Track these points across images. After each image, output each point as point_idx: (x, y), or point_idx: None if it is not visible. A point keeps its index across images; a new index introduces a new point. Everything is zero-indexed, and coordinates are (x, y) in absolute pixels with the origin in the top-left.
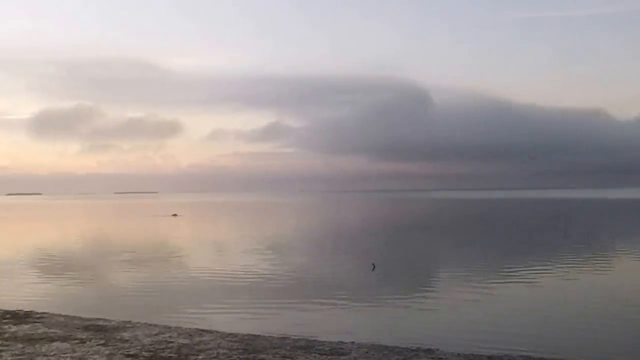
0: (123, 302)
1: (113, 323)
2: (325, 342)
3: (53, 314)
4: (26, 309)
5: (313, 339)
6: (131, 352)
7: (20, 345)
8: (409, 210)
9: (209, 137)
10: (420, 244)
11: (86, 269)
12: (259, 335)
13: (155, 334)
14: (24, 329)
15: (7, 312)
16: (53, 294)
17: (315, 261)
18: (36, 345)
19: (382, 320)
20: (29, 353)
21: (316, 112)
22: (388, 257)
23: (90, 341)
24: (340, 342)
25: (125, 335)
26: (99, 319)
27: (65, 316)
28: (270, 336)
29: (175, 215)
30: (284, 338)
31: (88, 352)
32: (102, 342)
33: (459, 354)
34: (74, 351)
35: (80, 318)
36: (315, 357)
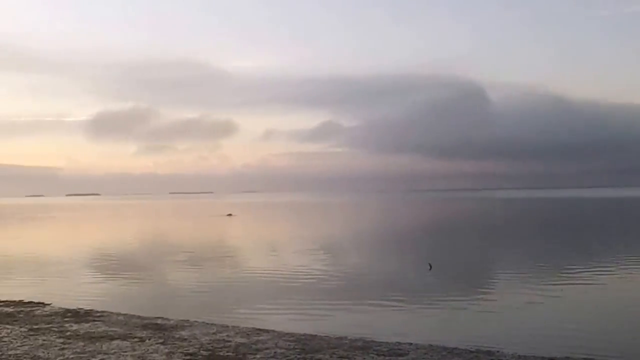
0: (180, 301)
1: (171, 322)
2: (382, 342)
3: (112, 313)
4: (86, 308)
5: (370, 339)
6: (190, 351)
7: (81, 343)
8: (464, 209)
9: (262, 137)
10: (477, 244)
11: (144, 268)
12: (316, 335)
13: (213, 333)
14: (85, 327)
15: (68, 310)
16: (112, 293)
17: (371, 261)
18: (97, 343)
19: (440, 321)
20: (90, 351)
21: (369, 111)
22: (444, 257)
23: (149, 340)
24: (397, 342)
25: (184, 334)
26: (157, 318)
27: (125, 315)
28: (327, 336)
29: (230, 215)
30: (341, 338)
31: (147, 350)
32: (161, 340)
33: (519, 355)
34: (134, 349)
35: (139, 317)
36: (373, 357)
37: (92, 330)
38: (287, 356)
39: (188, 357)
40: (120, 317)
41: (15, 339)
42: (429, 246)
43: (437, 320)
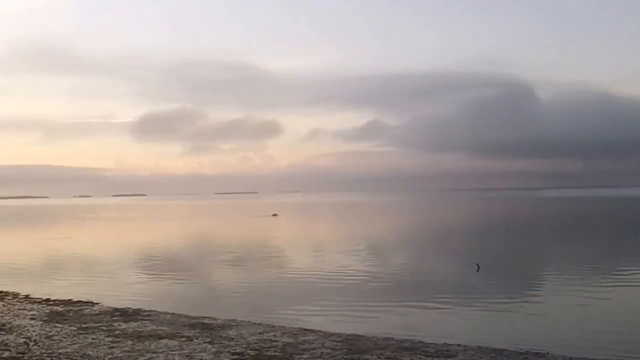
0: (227, 300)
1: (218, 321)
2: (430, 343)
3: (160, 312)
4: (134, 307)
5: (418, 340)
6: (237, 350)
7: (129, 342)
8: (512, 209)
9: (307, 137)
10: (526, 244)
11: (190, 267)
12: (363, 336)
13: (260, 333)
14: (133, 326)
15: (116, 309)
16: (159, 292)
17: (417, 261)
18: (145, 342)
19: (488, 322)
20: (138, 350)
21: (415, 109)
22: (493, 258)
23: (197, 339)
24: (445, 344)
25: (231, 333)
26: (204, 317)
27: (172, 314)
28: (374, 337)
29: (275, 215)
30: (388, 339)
31: (195, 349)
32: (209, 340)
33: (569, 357)
34: (182, 348)
35: (186, 316)
36: (420, 358)
37: (141, 329)
38: (334, 356)
39: (235, 357)
40: (168, 316)
41: (65, 338)
42: (476, 246)
43: (485, 322)
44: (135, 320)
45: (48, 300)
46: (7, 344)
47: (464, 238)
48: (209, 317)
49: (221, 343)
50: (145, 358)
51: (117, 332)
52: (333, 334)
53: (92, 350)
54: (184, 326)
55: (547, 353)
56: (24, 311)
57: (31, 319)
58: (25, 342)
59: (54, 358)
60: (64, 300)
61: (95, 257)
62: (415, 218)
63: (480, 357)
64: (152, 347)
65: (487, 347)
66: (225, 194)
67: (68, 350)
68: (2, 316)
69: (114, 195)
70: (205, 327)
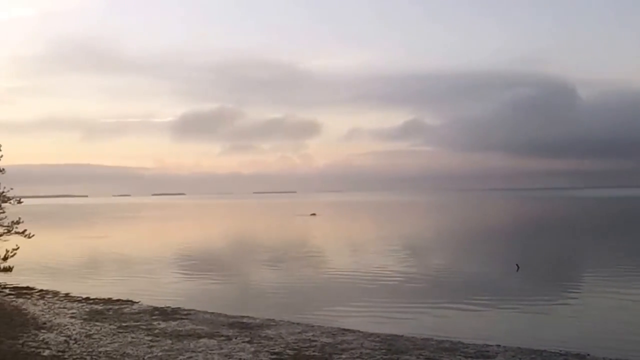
0: (266, 300)
1: (257, 321)
2: (469, 344)
3: (199, 311)
4: (173, 306)
5: (457, 341)
6: (276, 350)
7: (169, 341)
8: (552, 209)
9: (345, 136)
10: (566, 244)
11: (229, 267)
12: (402, 336)
13: (299, 332)
14: (172, 325)
15: (155, 308)
16: (198, 292)
17: (456, 261)
18: (184, 341)
19: (527, 323)
20: (177, 349)
21: (454, 109)
22: (532, 258)
23: (235, 338)
24: (485, 344)
25: (270, 332)
26: (243, 317)
27: (211, 313)
28: (412, 337)
29: (314, 214)
30: (427, 339)
31: (234, 349)
32: (248, 339)
33: (609, 359)
34: (221, 348)
35: (225, 315)
36: (460, 359)
37: (180, 329)
38: (373, 356)
39: (274, 357)
40: (207, 316)
41: (105, 336)
42: (516, 246)
43: (524, 322)
44: (175, 319)
45: (88, 298)
46: (47, 342)
47: (503, 238)
48: (247, 317)
49: (260, 342)
50: (185, 357)
51: (156, 331)
52: (372, 334)
53: (132, 349)
54: (223, 325)
55: (588, 355)
56: (64, 310)
57: (71, 317)
58: (65, 340)
59: (93, 357)
60: (104, 298)
61: (134, 255)
62: (453, 218)
63: (520, 359)
64: (191, 346)
65: (526, 349)
66: (263, 193)
67: (108, 349)
68: (42, 314)
69: (153, 195)
70: (244, 327)
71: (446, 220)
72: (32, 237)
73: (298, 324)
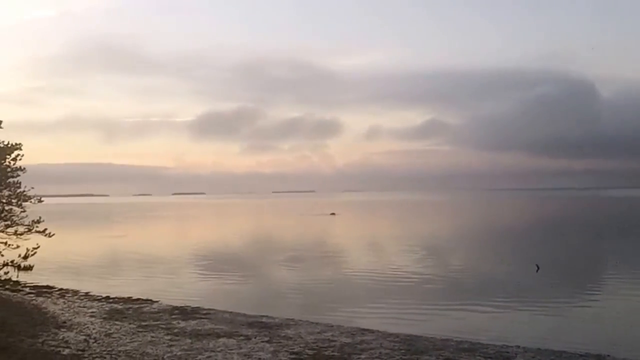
0: (285, 299)
1: (276, 320)
2: (489, 345)
3: (218, 310)
4: (193, 305)
5: (477, 341)
6: (295, 350)
7: (188, 340)
8: (573, 208)
9: (366, 136)
10: (587, 245)
11: (249, 266)
12: (421, 337)
13: (318, 332)
14: (192, 324)
15: (175, 307)
16: (218, 291)
17: (475, 261)
18: (204, 341)
19: (547, 324)
20: (197, 348)
21: (475, 108)
22: (552, 258)
23: (255, 338)
24: (504, 345)
25: (289, 332)
26: (262, 316)
27: (231, 313)
28: (432, 337)
29: (333, 214)
30: (447, 340)
31: (253, 348)
32: (267, 339)
33: None
34: (240, 347)
35: (244, 315)
36: None
37: (199, 328)
38: (392, 357)
39: (293, 356)
40: (226, 315)
41: (124, 335)
42: (536, 246)
43: (544, 323)
44: (194, 319)
45: (107, 297)
46: (67, 341)
47: (524, 238)
48: (267, 316)
49: (279, 342)
50: (204, 356)
51: (176, 330)
52: (391, 334)
53: (151, 348)
54: (242, 325)
55: (608, 356)
56: (84, 309)
57: (91, 316)
58: (85, 339)
59: (113, 356)
60: (124, 298)
61: (154, 255)
62: (473, 217)
63: (540, 359)
64: (211, 345)
65: (546, 349)
66: (283, 192)
67: (127, 348)
68: (62, 313)
69: (173, 194)
70: (264, 326)
71: (465, 220)
72: (53, 236)
73: (317, 323)
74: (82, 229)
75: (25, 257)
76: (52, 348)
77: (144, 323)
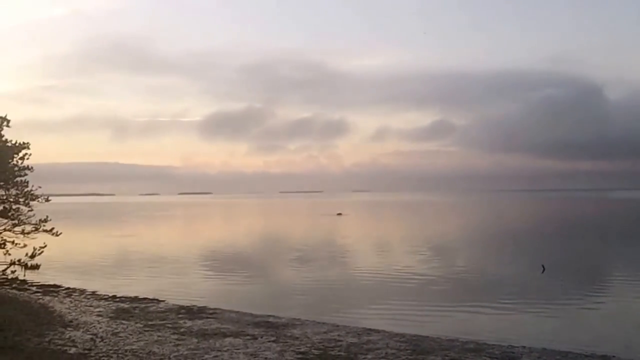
0: (291, 299)
1: (283, 320)
2: (495, 345)
3: (225, 310)
4: (199, 305)
5: (482, 342)
6: (301, 349)
7: (195, 340)
8: (580, 210)
9: (373, 136)
10: (593, 246)
11: (255, 266)
12: (427, 337)
13: (324, 332)
14: (198, 324)
15: (181, 307)
16: (224, 291)
17: (481, 262)
18: (210, 340)
19: (553, 325)
20: (203, 347)
21: (482, 109)
22: (558, 259)
23: (261, 337)
24: (510, 346)
25: (295, 332)
26: (269, 316)
27: (237, 312)
28: (438, 338)
29: (340, 214)
30: (453, 340)
31: (260, 348)
32: (273, 338)
33: None
34: (247, 347)
35: (251, 314)
36: None
37: (205, 327)
38: (399, 357)
39: (300, 356)
40: (233, 315)
41: (131, 335)
42: (542, 247)
43: (550, 324)
44: (201, 318)
45: (114, 297)
46: (74, 340)
47: (530, 239)
48: (273, 316)
49: (286, 342)
50: (210, 356)
51: (182, 329)
52: (397, 334)
53: (158, 348)
54: (249, 325)
55: (613, 356)
56: (91, 308)
57: (98, 315)
58: (91, 338)
59: (120, 355)
60: (130, 297)
61: (161, 254)
62: (480, 218)
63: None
64: (217, 345)
65: (552, 350)
66: (290, 192)
67: (134, 347)
68: (69, 312)
69: (180, 194)
70: (270, 326)
71: (472, 221)
72: (60, 235)
73: (324, 323)
74: (89, 228)
75: (32, 256)
76: (59, 347)
77: (150, 322)
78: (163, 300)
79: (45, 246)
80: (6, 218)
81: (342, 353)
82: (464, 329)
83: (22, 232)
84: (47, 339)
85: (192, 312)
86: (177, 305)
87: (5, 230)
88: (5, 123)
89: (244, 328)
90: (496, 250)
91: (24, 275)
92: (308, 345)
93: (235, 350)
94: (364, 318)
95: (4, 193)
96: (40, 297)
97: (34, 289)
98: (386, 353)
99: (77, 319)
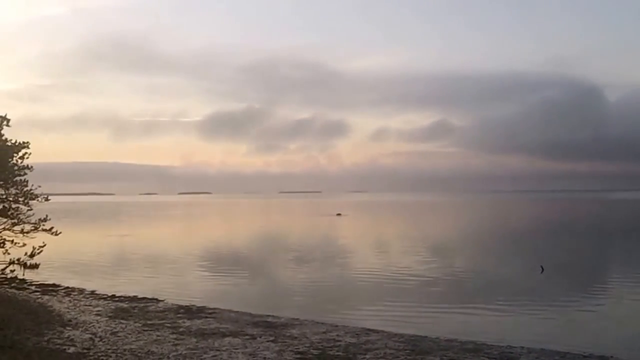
0: (290, 299)
1: (282, 320)
2: (493, 345)
3: (224, 310)
4: (199, 305)
5: (481, 342)
6: (300, 349)
7: (193, 339)
8: (579, 210)
9: (373, 137)
10: (592, 247)
11: (255, 266)
12: (426, 337)
13: (323, 332)
14: (197, 323)
15: (180, 306)
16: (224, 290)
17: (480, 263)
18: (209, 340)
19: (551, 325)
20: (202, 347)
21: (482, 110)
22: (557, 260)
23: (260, 337)
24: (509, 346)
25: (294, 332)
26: (268, 316)
27: (236, 312)
28: (436, 338)
29: (339, 214)
30: (451, 340)
31: (258, 347)
32: (272, 338)
33: None
34: (245, 347)
35: (250, 314)
36: None
37: (204, 327)
38: (397, 357)
39: (298, 356)
40: (232, 314)
41: (130, 334)
42: (540, 248)
43: (548, 324)
44: (200, 318)
45: (113, 296)
46: (72, 339)
47: (528, 240)
48: (272, 316)
49: (284, 342)
50: (209, 355)
51: (181, 329)
52: (396, 334)
53: (157, 347)
54: (248, 324)
55: (611, 357)
56: (90, 307)
57: (97, 315)
58: (90, 337)
59: (118, 354)
60: (129, 296)
61: (160, 254)
62: (479, 219)
63: None
64: (216, 344)
65: (550, 350)
66: (289, 192)
67: (133, 346)
68: (68, 312)
69: (179, 193)
70: (269, 326)
71: (471, 222)
72: (59, 235)
73: (322, 323)
74: (88, 227)
75: (32, 256)
76: (58, 346)
77: (149, 322)
78: (162, 300)
79: (45, 245)
80: (6, 217)
81: (341, 353)
82: (463, 329)
83: (22, 231)
84: (46, 338)
85: (191, 311)
86: (176, 304)
87: (4, 229)
88: (5, 122)
89: (243, 328)
90: (495, 251)
91: (23, 275)
92: (307, 345)
93: (234, 350)
94: (362, 318)
95: (3, 192)
96: (39, 296)
97: (33, 288)
98: (385, 353)
99: (76, 318)
